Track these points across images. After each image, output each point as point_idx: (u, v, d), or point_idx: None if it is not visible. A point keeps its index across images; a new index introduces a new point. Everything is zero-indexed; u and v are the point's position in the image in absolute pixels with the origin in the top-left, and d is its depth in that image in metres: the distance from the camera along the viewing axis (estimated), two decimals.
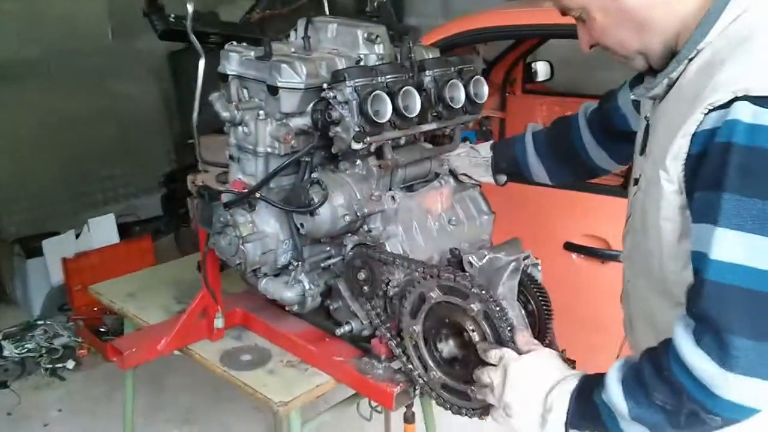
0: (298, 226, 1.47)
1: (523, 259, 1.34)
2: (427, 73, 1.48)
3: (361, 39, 1.49)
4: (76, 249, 3.54)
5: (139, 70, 4.44)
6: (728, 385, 0.88)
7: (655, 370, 0.95)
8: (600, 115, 1.48)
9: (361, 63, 1.47)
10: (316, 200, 1.41)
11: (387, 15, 1.64)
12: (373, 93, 1.36)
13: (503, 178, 1.61)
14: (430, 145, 1.61)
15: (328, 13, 1.96)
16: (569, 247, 2.29)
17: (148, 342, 1.67)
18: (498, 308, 1.20)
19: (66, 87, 4.08)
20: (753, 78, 0.89)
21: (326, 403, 1.68)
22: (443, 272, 1.29)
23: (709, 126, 0.92)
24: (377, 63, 1.47)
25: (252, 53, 1.51)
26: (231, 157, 1.59)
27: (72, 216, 3.95)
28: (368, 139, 1.38)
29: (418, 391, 1.42)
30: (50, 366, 3.20)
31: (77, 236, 3.60)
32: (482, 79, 1.54)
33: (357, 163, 1.49)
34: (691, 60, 1.01)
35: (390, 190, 1.51)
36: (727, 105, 0.90)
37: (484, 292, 1.22)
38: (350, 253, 1.50)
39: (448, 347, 1.33)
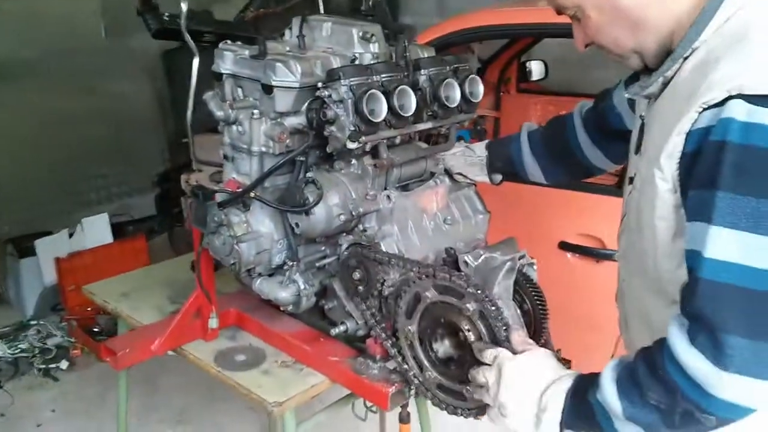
0: (293, 225, 1.46)
1: (519, 259, 1.34)
2: (422, 72, 1.47)
3: (356, 38, 1.48)
4: (70, 249, 3.53)
5: (133, 68, 4.42)
6: (723, 384, 0.87)
7: (649, 370, 0.94)
8: (595, 114, 1.48)
9: (356, 62, 1.47)
10: (311, 200, 1.40)
11: (382, 14, 1.64)
12: (369, 92, 1.35)
13: (498, 177, 1.61)
14: (425, 145, 1.60)
15: (322, 11, 1.96)
16: (564, 246, 2.29)
17: (141, 342, 1.66)
18: (494, 308, 1.20)
19: (59, 86, 4.06)
20: (748, 76, 0.89)
21: (321, 404, 1.68)
22: (439, 272, 1.29)
23: (703, 124, 0.92)
24: (372, 62, 1.47)
25: (246, 52, 1.50)
26: (225, 157, 1.58)
27: (65, 215, 3.94)
28: (363, 138, 1.38)
29: (413, 391, 1.42)
30: (43, 366, 3.19)
31: (70, 236, 3.59)
32: (477, 78, 1.54)
33: (352, 162, 1.48)
34: (686, 59, 1.01)
35: (385, 189, 1.51)
36: (721, 103, 0.90)
37: (479, 291, 1.21)
38: (345, 253, 1.49)
39: (443, 347, 1.33)
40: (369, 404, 1.56)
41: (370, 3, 1.70)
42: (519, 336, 1.17)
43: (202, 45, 2.12)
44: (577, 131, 1.50)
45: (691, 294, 0.92)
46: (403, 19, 5.02)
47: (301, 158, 1.48)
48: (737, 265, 0.88)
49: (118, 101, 4.38)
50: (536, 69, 3.51)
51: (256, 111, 1.47)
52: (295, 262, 1.52)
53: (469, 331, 1.23)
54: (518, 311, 1.30)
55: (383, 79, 1.40)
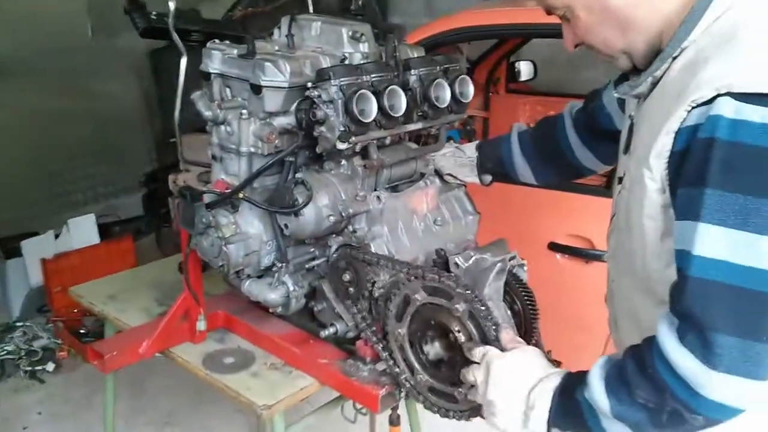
0: (282, 227, 1.45)
1: (509, 260, 1.34)
2: (412, 72, 1.47)
3: (345, 37, 1.48)
4: (56, 250, 3.50)
5: (120, 68, 4.39)
6: (712, 383, 0.88)
7: (638, 368, 0.94)
8: (585, 115, 1.48)
9: (346, 62, 1.46)
10: (300, 201, 1.39)
11: (371, 13, 1.63)
12: (359, 92, 1.34)
13: (488, 178, 1.61)
14: (415, 145, 1.60)
15: (311, 10, 1.95)
16: (553, 247, 2.30)
17: (129, 345, 1.64)
18: (483, 307, 1.19)
19: (45, 85, 4.03)
20: (737, 75, 0.89)
21: (310, 406, 1.67)
22: (428, 273, 1.28)
23: (692, 122, 0.92)
24: (362, 62, 1.46)
25: (235, 51, 1.49)
26: (213, 157, 1.57)
27: (51, 216, 3.90)
28: (353, 138, 1.37)
29: (403, 394, 1.42)
30: (30, 368, 3.15)
31: (57, 237, 3.56)
32: (468, 78, 1.54)
33: (342, 163, 1.47)
34: (675, 58, 1.01)
35: (375, 190, 1.51)
36: (710, 101, 0.90)
37: (468, 291, 1.21)
38: (335, 255, 1.48)
39: (434, 349, 1.32)
40: (359, 406, 1.55)
41: (360, 2, 1.70)
42: (508, 334, 1.17)
43: (190, 44, 2.10)
44: (567, 132, 1.50)
45: (680, 292, 0.92)
46: (392, 19, 5.02)
47: (291, 159, 1.47)
48: (726, 263, 0.88)
49: (105, 101, 4.35)
50: (525, 69, 3.53)
51: (244, 111, 1.46)
52: (284, 264, 1.51)
53: (459, 332, 1.23)
54: (509, 312, 1.30)
55: (373, 79, 1.40)
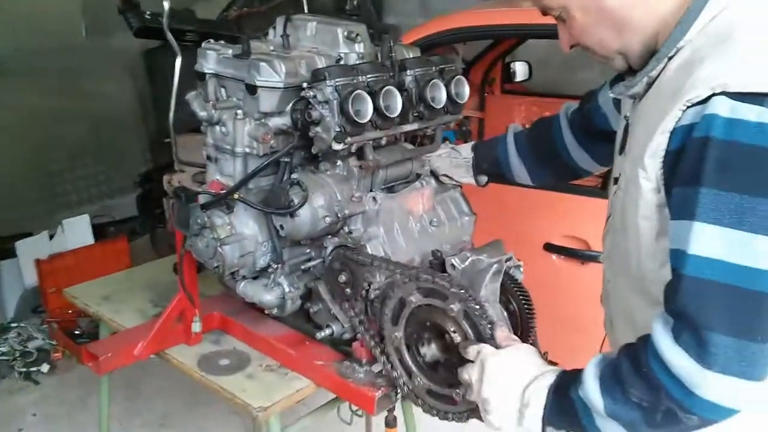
0: (278, 227, 1.45)
1: (506, 261, 1.34)
2: (408, 72, 1.47)
3: (341, 37, 1.47)
4: (50, 250, 3.49)
5: (114, 68, 4.37)
6: (707, 383, 0.87)
7: (633, 367, 0.94)
8: (581, 116, 1.48)
9: (341, 62, 1.45)
10: (295, 201, 1.39)
11: (367, 13, 1.63)
12: (354, 92, 1.34)
13: (484, 179, 1.61)
14: (411, 146, 1.60)
15: (306, 11, 1.95)
16: (549, 248, 2.30)
17: (124, 347, 1.64)
18: (477, 306, 1.19)
19: (39, 85, 4.01)
20: (732, 75, 0.89)
21: (306, 408, 1.67)
22: (422, 274, 1.28)
23: (687, 122, 0.92)
24: (357, 62, 1.45)
25: (230, 51, 1.49)
26: (208, 158, 1.56)
27: (46, 217, 3.89)
28: (349, 139, 1.37)
29: (399, 395, 1.41)
30: (24, 369, 3.14)
31: (51, 237, 3.55)
32: (463, 78, 1.54)
33: (337, 163, 1.47)
34: (670, 58, 1.01)
35: (371, 191, 1.50)
36: (705, 101, 0.90)
37: (462, 291, 1.21)
38: (330, 256, 1.48)
39: (431, 351, 1.32)
40: (355, 408, 1.55)
41: (355, 2, 1.69)
42: (503, 332, 1.17)
43: (185, 44, 2.09)
44: (563, 133, 1.50)
45: (674, 291, 0.92)
46: (387, 20, 5.02)
47: (286, 159, 1.47)
48: (721, 262, 0.88)
49: (99, 101, 4.33)
50: (520, 70, 3.53)
51: (239, 111, 1.45)
52: (279, 265, 1.50)
53: (455, 332, 1.22)
54: (504, 313, 1.30)
55: (369, 80, 1.39)
